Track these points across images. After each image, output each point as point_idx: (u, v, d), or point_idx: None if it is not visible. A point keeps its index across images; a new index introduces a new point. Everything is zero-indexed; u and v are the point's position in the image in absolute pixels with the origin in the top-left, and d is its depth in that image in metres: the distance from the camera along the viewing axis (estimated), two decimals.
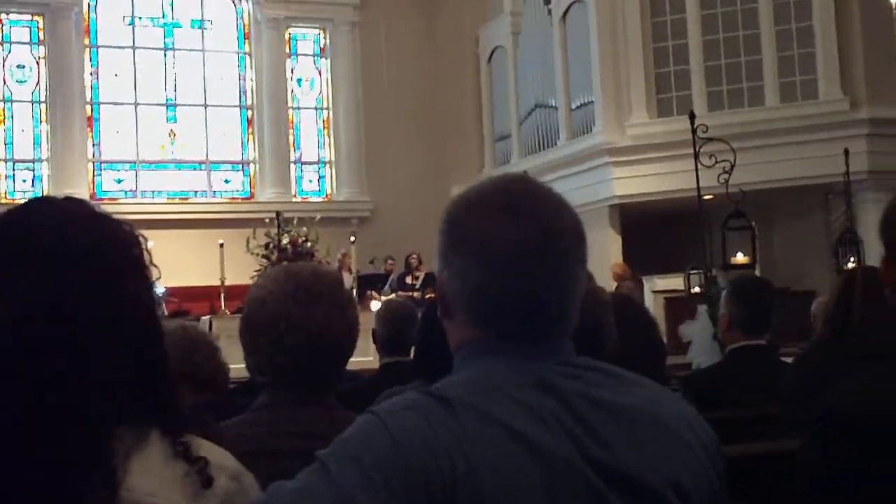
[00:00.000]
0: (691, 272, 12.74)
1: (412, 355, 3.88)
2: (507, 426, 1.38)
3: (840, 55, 15.06)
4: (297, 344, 2.30)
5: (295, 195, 20.32)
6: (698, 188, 11.09)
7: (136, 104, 19.51)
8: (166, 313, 13.85)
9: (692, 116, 11.36)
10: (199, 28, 20.17)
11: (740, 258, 11.76)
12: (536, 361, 1.47)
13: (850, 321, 3.27)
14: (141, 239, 1.43)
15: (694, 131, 11.09)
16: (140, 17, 19.73)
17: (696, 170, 11.02)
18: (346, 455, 1.35)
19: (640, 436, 1.46)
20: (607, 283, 12.11)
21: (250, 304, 2.38)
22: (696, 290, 12.11)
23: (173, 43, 19.96)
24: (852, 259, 12.70)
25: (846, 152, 13.24)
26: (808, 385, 2.89)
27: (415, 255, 16.08)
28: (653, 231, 16.05)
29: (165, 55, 19.91)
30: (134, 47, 19.61)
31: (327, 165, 20.92)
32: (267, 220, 15.81)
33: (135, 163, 19.45)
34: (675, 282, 13.86)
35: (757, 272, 11.77)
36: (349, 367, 3.55)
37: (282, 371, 2.34)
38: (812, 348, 3.42)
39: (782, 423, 3.25)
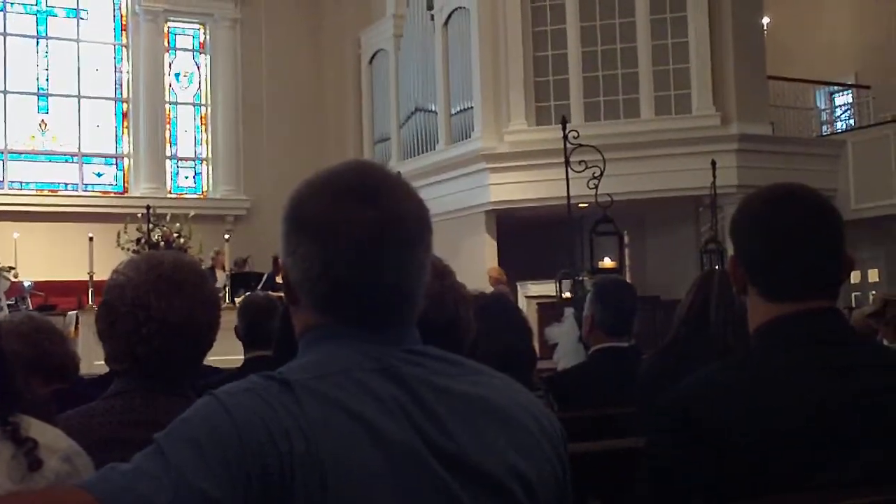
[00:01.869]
0: (562, 277, 12.91)
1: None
2: (348, 410, 1.37)
3: (713, 71, 15.46)
4: (155, 335, 2.24)
5: (170, 191, 19.96)
6: (567, 192, 11.29)
7: (6, 92, 18.94)
8: (31, 307, 13.49)
9: (564, 122, 11.55)
10: (75, 17, 19.67)
11: (607, 262, 12.01)
12: (380, 347, 1.46)
13: (706, 320, 3.36)
14: None
15: (566, 137, 11.27)
16: (12, 3, 19.17)
17: (567, 174, 11.21)
18: (183, 436, 1.32)
19: (483, 425, 1.46)
20: (483, 286, 12.18)
21: (110, 291, 2.30)
22: (567, 294, 12.27)
23: (46, 31, 19.43)
24: (716, 268, 13.00)
25: (713, 164, 13.60)
26: (658, 382, 2.96)
27: None
28: (527, 237, 16.23)
29: (38, 43, 19.37)
30: (5, 34, 19.03)
31: (204, 162, 20.61)
32: (139, 216, 15.52)
33: (2, 152, 18.87)
34: (547, 287, 14.01)
35: (627, 279, 12.00)
36: (216, 364, 3.52)
37: (138, 360, 2.27)
38: (666, 346, 3.50)
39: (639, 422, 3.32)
